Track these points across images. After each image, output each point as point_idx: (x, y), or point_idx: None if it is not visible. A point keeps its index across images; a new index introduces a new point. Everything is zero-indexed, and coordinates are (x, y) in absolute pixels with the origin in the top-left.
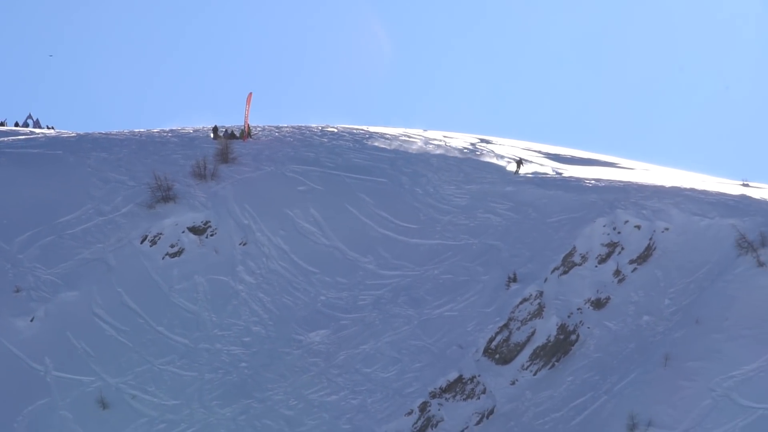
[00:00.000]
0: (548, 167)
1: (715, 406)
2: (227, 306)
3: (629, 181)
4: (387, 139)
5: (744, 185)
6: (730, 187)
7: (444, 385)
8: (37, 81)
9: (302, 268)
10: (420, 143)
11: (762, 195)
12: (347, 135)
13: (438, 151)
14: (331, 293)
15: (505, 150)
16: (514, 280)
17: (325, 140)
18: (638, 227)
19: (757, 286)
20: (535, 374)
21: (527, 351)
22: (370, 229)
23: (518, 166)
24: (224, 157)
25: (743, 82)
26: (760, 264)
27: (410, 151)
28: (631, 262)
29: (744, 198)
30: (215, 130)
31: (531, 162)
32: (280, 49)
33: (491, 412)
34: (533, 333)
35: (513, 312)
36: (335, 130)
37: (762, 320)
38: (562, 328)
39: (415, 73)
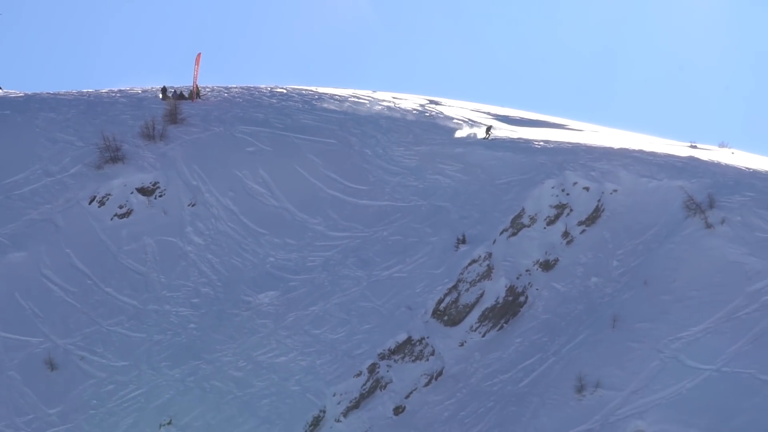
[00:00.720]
0: (500, 129)
1: (663, 368)
2: (176, 267)
3: (578, 143)
4: (336, 100)
5: (692, 147)
6: (679, 148)
7: (393, 347)
8: None
9: (251, 229)
10: (369, 104)
11: (710, 157)
12: (296, 96)
13: (387, 113)
14: (280, 254)
15: (455, 111)
16: (463, 241)
17: (275, 101)
18: (587, 189)
19: (705, 247)
20: (483, 336)
21: (476, 313)
22: (319, 191)
23: (488, 132)
24: (173, 118)
25: (694, 43)
26: (708, 226)
27: (359, 112)
28: (580, 223)
29: (692, 160)
30: (164, 90)
31: (481, 126)
32: (228, 9)
33: (440, 373)
34: (482, 295)
35: (462, 274)
36: (284, 91)
37: (709, 282)
38: (510, 289)
39: (364, 34)
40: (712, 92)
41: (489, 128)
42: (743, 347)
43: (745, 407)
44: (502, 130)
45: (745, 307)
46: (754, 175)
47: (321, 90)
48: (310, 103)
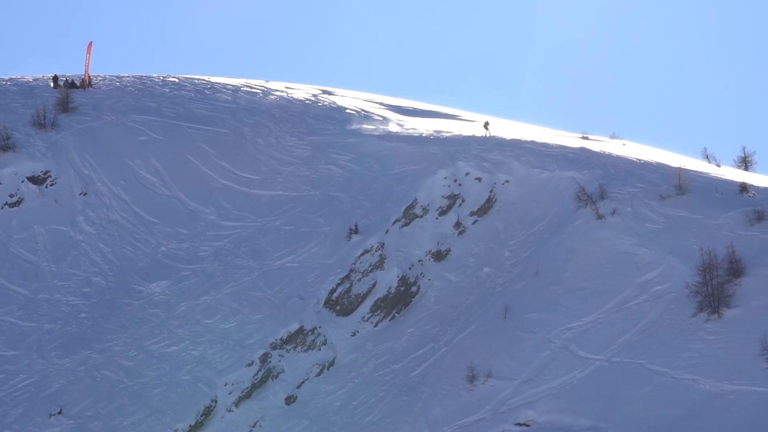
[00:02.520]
0: (391, 119)
1: (553, 358)
2: (67, 256)
3: (470, 134)
4: (229, 89)
5: (584, 138)
6: (570, 140)
7: (285, 337)
8: None
9: (143, 218)
10: (262, 94)
11: (601, 148)
12: (189, 85)
13: (280, 102)
14: (172, 244)
15: (348, 101)
16: (356, 231)
17: (167, 90)
18: (479, 179)
19: (596, 238)
20: (375, 326)
21: (368, 302)
22: (212, 180)
23: (486, 128)
24: (64, 106)
25: (586, 35)
26: (599, 217)
27: (252, 101)
28: (472, 214)
29: (583, 151)
30: (55, 79)
31: (374, 114)
32: None
33: (332, 363)
34: (374, 285)
35: (354, 263)
36: (177, 80)
37: (600, 273)
38: (403, 279)
39: (257, 24)
40: (604, 84)
41: (486, 123)
42: (633, 337)
43: (635, 396)
44: (395, 121)
45: (636, 297)
46: (645, 166)
47: (214, 79)
48: (202, 92)
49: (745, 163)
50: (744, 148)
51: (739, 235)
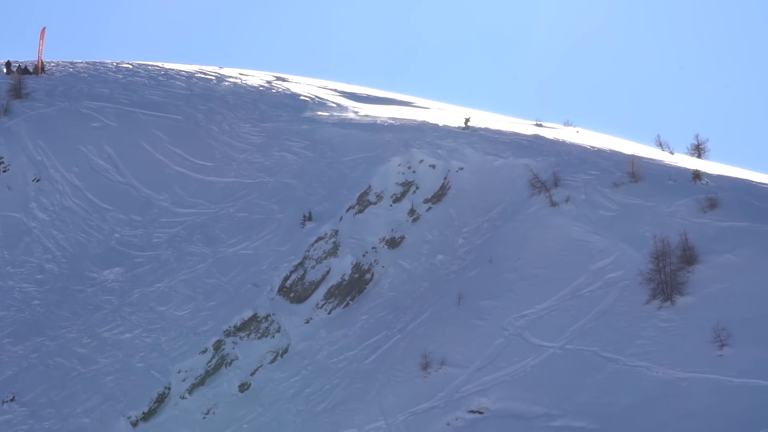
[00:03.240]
0: (345, 106)
1: (507, 345)
2: (20, 243)
3: (424, 120)
4: (182, 75)
5: (537, 125)
6: (524, 127)
7: (238, 324)
8: None
9: (96, 205)
10: (216, 80)
11: (555, 135)
12: (142, 71)
13: (234, 89)
14: (126, 231)
15: (302, 88)
16: (310, 218)
17: (120, 76)
18: (433, 166)
19: (550, 225)
20: (329, 313)
21: (322, 290)
22: (165, 167)
23: (466, 123)
24: (17, 92)
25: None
26: (553, 204)
27: (206, 88)
28: (426, 201)
29: (537, 138)
30: (8, 65)
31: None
32: None
33: (286, 350)
34: (328, 272)
35: (308, 251)
36: (130, 66)
37: (554, 260)
38: (356, 267)
39: (211, 10)
40: (558, 70)
41: (467, 120)
42: (587, 325)
43: (588, 384)
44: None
45: (589, 285)
46: (599, 153)
47: (167, 66)
48: (156, 78)
49: (698, 150)
50: (697, 136)
51: (692, 222)
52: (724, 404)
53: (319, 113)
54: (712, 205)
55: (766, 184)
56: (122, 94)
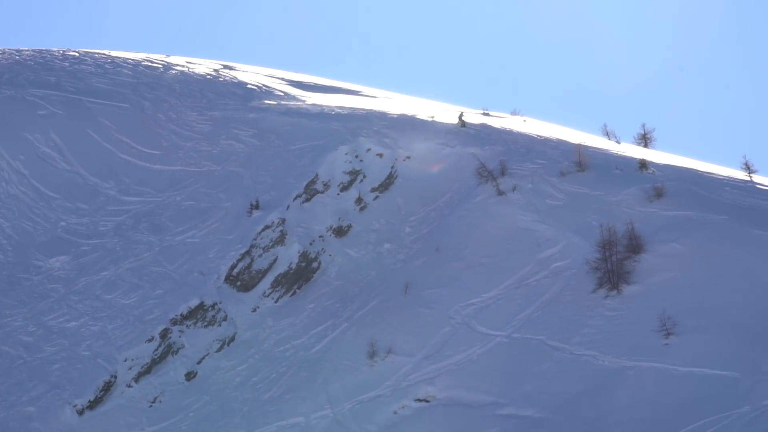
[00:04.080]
0: (292, 94)
1: (454, 334)
2: None
3: (372, 109)
4: (129, 64)
5: (485, 114)
6: (471, 115)
7: (185, 312)
8: None
9: (42, 193)
10: (163, 69)
11: (502, 124)
12: (89, 59)
13: (181, 77)
14: (72, 219)
15: (249, 77)
16: (257, 207)
17: (67, 64)
18: (380, 155)
19: (497, 214)
20: (276, 301)
21: (269, 278)
22: (112, 155)
23: (460, 118)
24: None
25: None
26: (500, 193)
27: (153, 76)
28: (373, 190)
29: (485, 127)
30: None
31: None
32: None
33: (232, 339)
34: (275, 260)
35: (255, 239)
36: (77, 54)
37: (501, 249)
38: (304, 255)
39: None
40: (505, 59)
41: (461, 114)
42: (533, 313)
43: (535, 372)
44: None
45: (536, 273)
46: (546, 143)
47: (114, 54)
48: (102, 66)
49: (644, 140)
50: (643, 125)
51: (638, 211)
52: (670, 393)
53: (267, 102)
54: (659, 194)
55: (711, 173)
56: (69, 82)
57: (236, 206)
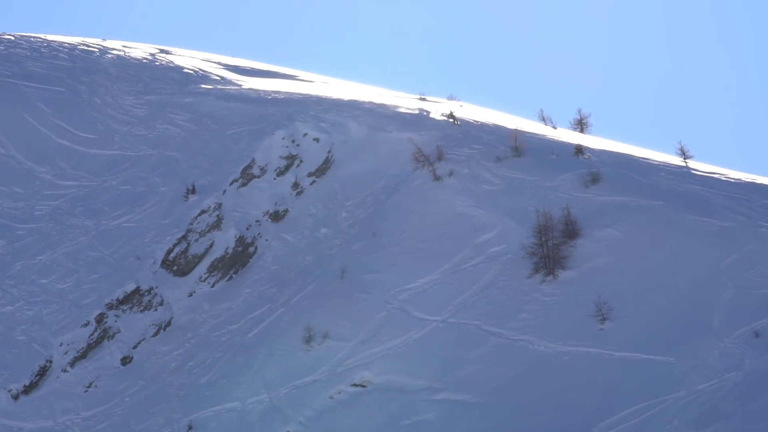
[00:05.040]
0: (228, 79)
1: (390, 319)
2: None
3: (308, 94)
4: (65, 47)
5: (421, 99)
6: (408, 101)
7: (121, 297)
8: None
9: None
10: (99, 53)
11: (438, 109)
12: (24, 43)
13: (117, 61)
14: (7, 203)
15: (185, 61)
16: (193, 191)
17: (2, 48)
18: (317, 140)
19: (433, 199)
20: (213, 286)
21: (205, 263)
22: (48, 139)
23: (452, 115)
24: None
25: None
26: (437, 178)
27: (89, 60)
28: (310, 174)
29: (421, 112)
30: None
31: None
32: None
33: (168, 323)
34: (211, 245)
35: (191, 224)
36: (12, 38)
37: (437, 234)
38: (240, 240)
39: None
40: (443, 44)
41: (452, 113)
42: (469, 299)
43: (471, 357)
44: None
45: (472, 258)
46: (482, 128)
47: (50, 37)
48: (38, 50)
49: (580, 125)
50: (580, 111)
51: (574, 196)
52: (605, 377)
53: (203, 86)
54: (594, 179)
55: (647, 158)
56: (4, 65)
57: (172, 191)
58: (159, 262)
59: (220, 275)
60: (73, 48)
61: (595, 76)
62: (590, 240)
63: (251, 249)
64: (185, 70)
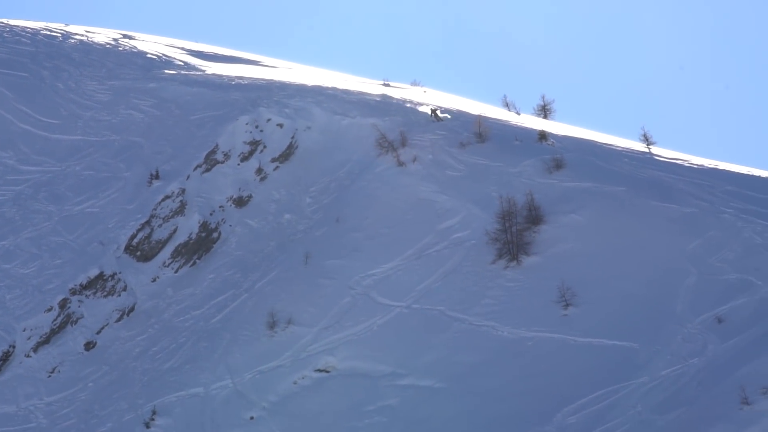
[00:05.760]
0: (192, 64)
1: (354, 305)
2: None
3: (272, 80)
4: (28, 32)
5: (385, 85)
6: (371, 86)
7: (84, 282)
8: None
9: None
10: (62, 38)
11: (402, 95)
12: None
13: (80, 46)
14: None
15: (149, 46)
16: (157, 177)
17: None
18: (280, 126)
19: (397, 185)
20: (176, 272)
21: (169, 248)
22: (11, 124)
23: (435, 114)
24: None
25: None
26: (400, 164)
27: (52, 45)
28: (273, 160)
29: (385, 98)
30: None
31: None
32: None
33: (132, 309)
34: (175, 230)
35: (155, 209)
36: None
37: (401, 220)
38: (204, 225)
39: None
40: (406, 30)
41: (434, 111)
42: (433, 284)
43: (435, 343)
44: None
45: (436, 244)
46: (446, 113)
47: (12, 22)
48: (1, 35)
49: (544, 111)
50: (543, 97)
51: (537, 182)
52: (569, 363)
53: (167, 71)
54: (558, 165)
55: (610, 144)
56: None
57: (136, 176)
58: (122, 248)
59: (183, 261)
60: (35, 33)
61: (557, 61)
62: (554, 226)
63: (215, 234)
64: (149, 56)
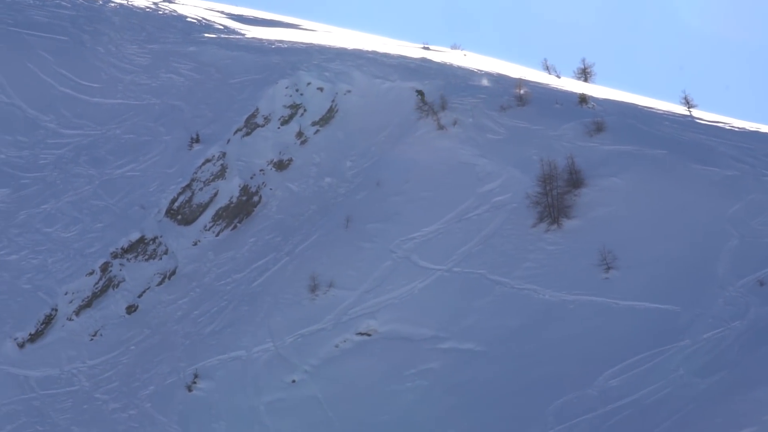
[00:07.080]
0: (232, 28)
1: (395, 268)
2: None
3: (311, 43)
4: None
5: (425, 48)
6: (411, 50)
7: (126, 246)
8: None
9: None
10: (102, 1)
11: (442, 58)
12: None
13: (120, 10)
14: (11, 152)
15: (188, 10)
16: (197, 140)
17: None
18: (321, 89)
19: (437, 148)
20: (217, 235)
21: (210, 212)
22: (51, 88)
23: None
24: None
25: None
26: (440, 127)
27: (92, 9)
28: (314, 123)
29: (425, 61)
30: None
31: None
32: None
33: (173, 272)
34: (216, 194)
35: (196, 173)
36: None
37: (441, 183)
38: (244, 189)
39: None
40: None
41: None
42: (474, 248)
43: (475, 307)
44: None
45: (476, 208)
46: (486, 76)
47: None
48: None
49: (584, 74)
50: (584, 60)
51: (578, 146)
52: (609, 326)
53: (206, 35)
54: (599, 128)
55: (651, 107)
56: (7, 14)
57: (176, 140)
58: (163, 211)
59: (224, 224)
60: None
61: (599, 24)
62: (594, 189)
63: (255, 198)
64: (188, 20)
